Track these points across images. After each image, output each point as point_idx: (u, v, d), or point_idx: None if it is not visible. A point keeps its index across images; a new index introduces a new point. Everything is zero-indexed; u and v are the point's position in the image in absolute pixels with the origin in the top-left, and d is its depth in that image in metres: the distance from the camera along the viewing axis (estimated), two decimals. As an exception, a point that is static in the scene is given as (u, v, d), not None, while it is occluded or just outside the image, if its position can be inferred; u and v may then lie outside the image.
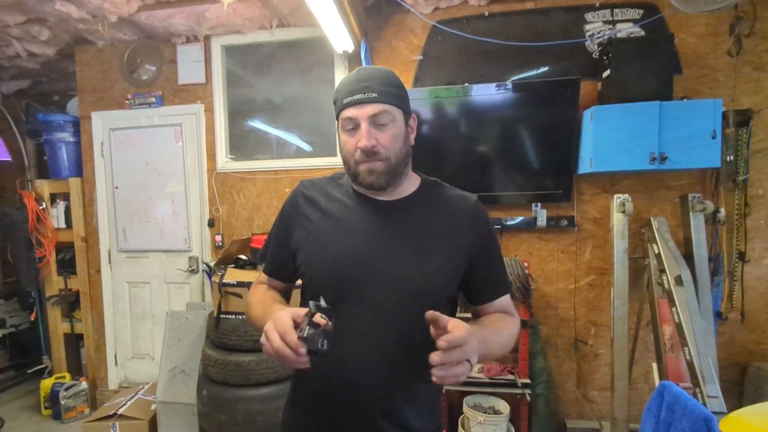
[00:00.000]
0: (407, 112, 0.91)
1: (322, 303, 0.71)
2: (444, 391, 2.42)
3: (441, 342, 0.65)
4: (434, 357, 0.65)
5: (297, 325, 0.69)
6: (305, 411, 0.93)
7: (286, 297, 1.01)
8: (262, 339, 0.71)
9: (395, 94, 0.87)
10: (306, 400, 0.93)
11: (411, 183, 0.96)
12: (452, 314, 0.92)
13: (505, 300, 0.96)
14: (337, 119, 0.91)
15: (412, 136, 0.94)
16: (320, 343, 0.67)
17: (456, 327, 0.67)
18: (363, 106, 0.85)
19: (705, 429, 1.10)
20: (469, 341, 0.67)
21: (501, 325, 0.89)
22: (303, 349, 0.66)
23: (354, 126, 0.86)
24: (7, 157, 1.03)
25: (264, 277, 1.03)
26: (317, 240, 0.91)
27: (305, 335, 0.66)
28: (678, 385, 1.83)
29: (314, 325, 0.68)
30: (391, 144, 0.86)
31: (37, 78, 3.66)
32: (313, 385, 0.89)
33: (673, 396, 1.22)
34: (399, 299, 0.85)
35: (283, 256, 0.97)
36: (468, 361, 0.66)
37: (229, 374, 2.16)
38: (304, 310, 0.71)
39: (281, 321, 0.70)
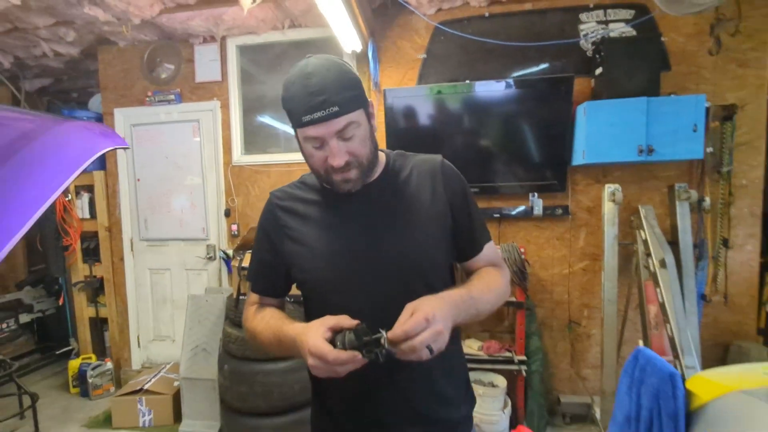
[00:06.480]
0: (367, 108, 0.86)
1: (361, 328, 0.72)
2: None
3: (387, 340, 0.70)
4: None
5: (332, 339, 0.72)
6: (332, 401, 0.95)
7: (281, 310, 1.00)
8: (314, 367, 0.71)
9: (354, 96, 0.81)
10: (330, 392, 0.95)
11: (379, 163, 0.94)
12: (451, 279, 0.98)
13: (490, 250, 0.98)
14: (295, 130, 0.84)
15: (374, 122, 0.90)
16: (380, 356, 0.71)
17: (409, 318, 0.70)
18: (327, 123, 0.78)
19: (670, 383, 1.27)
20: (422, 330, 0.68)
21: (490, 280, 0.91)
22: (359, 355, 0.69)
23: (320, 144, 0.82)
24: (125, 144, 1.11)
25: (255, 296, 1.00)
26: (308, 247, 0.90)
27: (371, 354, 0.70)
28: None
29: (367, 344, 0.70)
30: (360, 150, 0.84)
31: (59, 76, 3.85)
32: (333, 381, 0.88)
33: (645, 358, 1.39)
34: (401, 277, 0.87)
35: (273, 273, 0.97)
36: (428, 348, 0.68)
37: (249, 350, 2.35)
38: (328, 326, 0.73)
39: (318, 346, 0.70)
